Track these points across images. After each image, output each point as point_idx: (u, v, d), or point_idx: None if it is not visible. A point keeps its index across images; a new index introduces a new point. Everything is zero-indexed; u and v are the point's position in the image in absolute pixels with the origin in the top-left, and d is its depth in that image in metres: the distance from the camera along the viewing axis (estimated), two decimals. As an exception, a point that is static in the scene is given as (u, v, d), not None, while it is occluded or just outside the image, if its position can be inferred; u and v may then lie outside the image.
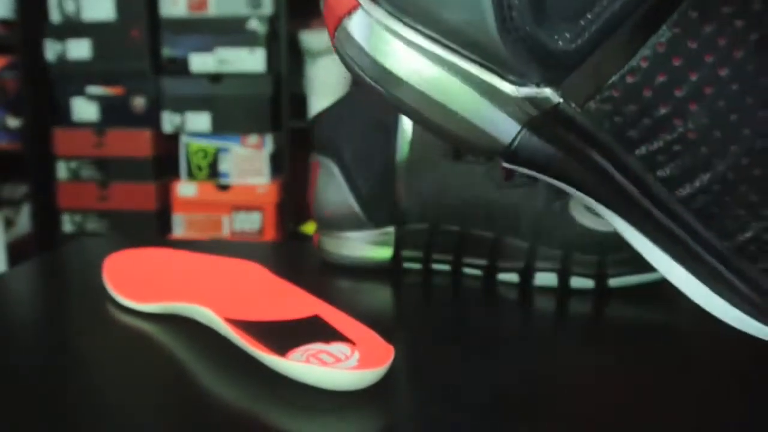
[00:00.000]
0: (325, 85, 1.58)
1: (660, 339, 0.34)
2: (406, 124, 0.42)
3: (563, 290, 0.40)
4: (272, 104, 1.62)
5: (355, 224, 0.44)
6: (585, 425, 0.25)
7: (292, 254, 0.53)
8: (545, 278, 0.41)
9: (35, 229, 1.77)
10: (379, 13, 0.19)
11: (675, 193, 0.19)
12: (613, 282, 0.40)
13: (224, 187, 1.66)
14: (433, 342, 0.33)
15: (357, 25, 0.20)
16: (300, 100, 1.68)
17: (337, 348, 0.29)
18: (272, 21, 1.60)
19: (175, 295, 0.35)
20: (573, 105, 0.19)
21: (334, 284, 0.43)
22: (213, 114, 1.63)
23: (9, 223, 1.80)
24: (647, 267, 0.40)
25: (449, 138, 0.21)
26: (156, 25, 1.63)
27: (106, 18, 1.63)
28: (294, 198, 1.67)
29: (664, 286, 0.41)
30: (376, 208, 0.44)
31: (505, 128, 0.20)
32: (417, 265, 0.45)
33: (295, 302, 0.34)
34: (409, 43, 0.19)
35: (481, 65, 0.19)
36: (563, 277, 0.40)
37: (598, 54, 0.18)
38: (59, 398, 0.26)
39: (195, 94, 1.62)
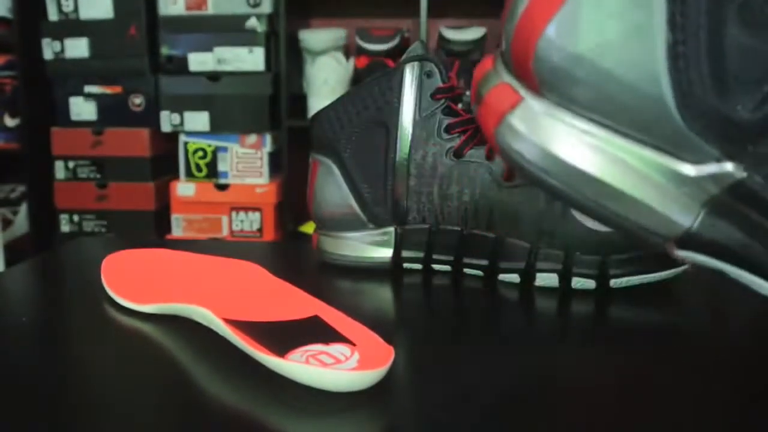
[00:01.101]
0: (324, 84, 1.58)
1: (661, 340, 0.34)
2: (406, 123, 0.42)
3: (565, 291, 0.40)
4: (271, 103, 1.62)
5: (355, 224, 0.44)
6: (586, 426, 0.25)
7: (291, 254, 0.53)
8: (546, 279, 0.41)
9: (33, 229, 1.77)
10: (545, 105, 0.19)
11: None
12: (615, 282, 0.40)
13: (223, 187, 1.66)
14: (433, 342, 0.33)
15: (521, 119, 0.19)
16: (299, 100, 1.68)
17: (337, 349, 0.29)
18: (271, 20, 1.60)
19: (173, 296, 0.35)
20: (758, 178, 0.18)
21: (334, 285, 0.43)
22: (212, 113, 1.62)
23: (7, 223, 1.79)
24: (649, 267, 0.40)
25: (624, 226, 0.20)
26: (154, 24, 1.63)
27: (104, 16, 1.63)
28: (293, 198, 1.67)
29: (666, 286, 0.41)
30: (376, 208, 0.44)
31: (685, 210, 0.19)
32: (417, 265, 0.44)
33: (295, 303, 0.34)
34: (580, 131, 0.19)
35: (656, 148, 0.18)
36: (564, 278, 0.40)
37: None
38: (57, 398, 0.26)
39: (193, 94, 1.62)
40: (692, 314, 0.38)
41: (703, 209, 0.19)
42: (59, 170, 1.70)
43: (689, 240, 0.19)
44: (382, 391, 0.27)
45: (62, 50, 1.65)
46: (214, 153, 1.65)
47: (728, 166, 0.18)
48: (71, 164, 1.69)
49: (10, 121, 1.78)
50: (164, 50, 1.62)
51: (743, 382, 0.29)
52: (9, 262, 1.62)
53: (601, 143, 0.19)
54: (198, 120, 1.63)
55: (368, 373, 0.26)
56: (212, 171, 1.66)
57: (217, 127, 1.63)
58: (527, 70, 0.19)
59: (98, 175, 1.69)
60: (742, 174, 0.18)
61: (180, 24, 1.61)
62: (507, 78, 0.20)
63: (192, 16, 1.60)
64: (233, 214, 1.67)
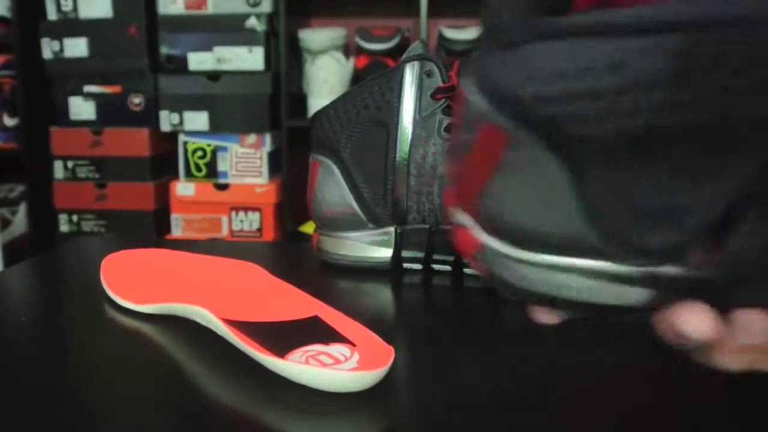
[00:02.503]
0: (324, 83, 1.58)
1: (661, 339, 0.34)
2: (406, 123, 0.42)
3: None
4: (271, 103, 1.62)
5: (355, 224, 0.44)
6: (585, 425, 0.25)
7: (291, 254, 0.53)
8: (546, 278, 0.40)
9: (32, 229, 1.76)
10: (499, 246, 0.22)
11: None
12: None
13: (223, 187, 1.66)
14: (433, 342, 0.33)
15: (487, 261, 0.23)
16: (299, 99, 1.68)
17: (337, 349, 0.29)
18: (271, 19, 1.60)
19: (173, 296, 0.35)
20: (694, 272, 0.20)
21: (334, 285, 0.43)
22: (211, 113, 1.62)
23: (6, 223, 1.79)
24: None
25: (597, 316, 0.23)
26: (154, 24, 1.62)
27: (103, 16, 1.63)
28: (293, 198, 1.67)
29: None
30: (376, 208, 0.44)
31: (640, 296, 0.21)
32: (417, 265, 0.44)
33: (295, 303, 0.34)
34: (533, 264, 0.22)
35: (599, 261, 0.21)
36: (564, 277, 0.40)
37: (698, 242, 0.19)
38: (56, 398, 0.26)
39: (193, 93, 1.61)
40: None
41: (655, 290, 0.21)
42: (58, 170, 1.69)
43: (648, 309, 0.22)
44: (382, 391, 0.27)
45: (61, 50, 1.64)
46: (214, 153, 1.65)
47: (667, 270, 0.20)
48: (70, 164, 1.69)
49: (9, 121, 1.78)
50: (164, 50, 1.62)
51: (742, 380, 0.29)
52: (8, 262, 1.62)
53: (554, 270, 0.22)
54: (197, 120, 1.63)
55: (368, 373, 0.26)
56: (212, 171, 1.66)
57: (216, 127, 1.63)
58: (476, 221, 0.23)
59: (97, 175, 1.69)
60: (680, 272, 0.20)
61: (179, 23, 1.61)
62: (466, 221, 0.23)
63: (191, 16, 1.60)
64: (233, 214, 1.67)
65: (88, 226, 1.72)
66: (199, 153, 1.66)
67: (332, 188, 0.44)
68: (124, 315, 0.35)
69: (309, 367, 0.26)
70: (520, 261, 0.22)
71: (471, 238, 0.23)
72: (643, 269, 0.20)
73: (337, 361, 0.27)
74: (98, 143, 1.67)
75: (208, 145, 1.65)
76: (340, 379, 0.26)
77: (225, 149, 1.65)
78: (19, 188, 1.85)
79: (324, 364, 0.27)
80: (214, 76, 1.61)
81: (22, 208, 1.82)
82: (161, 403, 0.26)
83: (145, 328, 0.33)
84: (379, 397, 0.26)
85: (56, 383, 0.27)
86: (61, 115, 1.68)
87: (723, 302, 0.21)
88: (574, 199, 0.20)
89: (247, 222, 1.67)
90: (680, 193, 0.19)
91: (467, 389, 0.27)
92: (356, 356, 0.28)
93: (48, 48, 1.65)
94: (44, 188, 1.72)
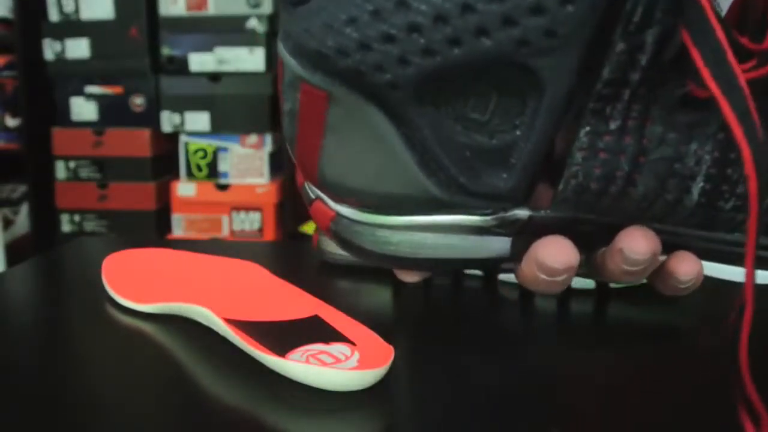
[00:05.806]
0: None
1: (661, 340, 0.34)
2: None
3: (564, 291, 0.40)
4: (272, 104, 1.62)
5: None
6: (585, 426, 0.25)
7: (292, 254, 0.53)
8: (546, 278, 0.41)
9: (34, 229, 1.77)
10: (351, 212, 0.22)
11: (669, 222, 0.21)
12: (615, 282, 0.40)
13: (223, 187, 1.66)
14: (433, 342, 0.33)
15: (342, 231, 0.22)
16: (299, 100, 1.68)
17: (337, 348, 0.29)
18: (272, 20, 1.60)
19: (174, 296, 0.35)
20: (542, 212, 0.21)
21: (334, 284, 0.43)
22: (212, 113, 1.63)
23: (8, 223, 1.80)
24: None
25: (457, 269, 0.23)
26: (155, 25, 1.63)
27: (105, 17, 1.63)
28: (294, 198, 1.67)
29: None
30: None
31: (500, 246, 0.22)
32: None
33: (295, 302, 0.34)
34: (386, 226, 0.22)
35: (451, 215, 0.21)
36: (564, 277, 0.40)
37: (538, 177, 0.20)
38: (58, 398, 0.26)
39: (194, 94, 1.62)
40: (692, 314, 0.38)
41: (512, 239, 0.22)
42: (60, 170, 1.70)
43: (513, 260, 0.23)
44: (382, 391, 0.27)
45: (63, 50, 1.65)
46: (215, 153, 1.66)
47: (516, 213, 0.21)
48: (72, 164, 1.69)
49: (11, 122, 1.78)
50: (165, 50, 1.62)
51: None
52: (10, 262, 1.62)
53: (406, 229, 0.22)
54: (198, 120, 1.63)
55: (368, 373, 0.26)
56: (213, 171, 1.66)
57: (217, 128, 1.64)
58: (321, 190, 0.22)
59: (99, 175, 1.69)
60: (528, 213, 0.21)
61: (180, 24, 1.61)
62: (318, 192, 0.23)
63: (192, 17, 1.61)
64: (234, 214, 1.67)
65: (89, 226, 1.72)
66: (200, 153, 1.66)
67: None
68: (126, 314, 0.35)
69: (309, 366, 0.26)
70: (374, 225, 0.22)
71: (325, 210, 0.23)
72: (494, 216, 0.21)
73: (338, 360, 0.27)
74: (100, 143, 1.68)
75: (209, 146, 1.66)
76: (341, 378, 0.26)
77: (226, 149, 1.65)
78: (21, 188, 1.85)
79: (324, 363, 0.27)
80: (215, 76, 1.61)
81: (23, 209, 1.83)
82: (162, 402, 0.26)
83: (147, 327, 0.34)
84: (379, 397, 0.26)
85: (57, 383, 0.28)
86: (63, 116, 1.69)
87: (575, 233, 0.22)
88: (407, 152, 0.20)
89: (248, 222, 1.67)
90: (497, 130, 0.19)
91: (467, 389, 0.27)
92: (356, 355, 0.28)
93: (50, 49, 1.65)
94: (46, 188, 1.72)
